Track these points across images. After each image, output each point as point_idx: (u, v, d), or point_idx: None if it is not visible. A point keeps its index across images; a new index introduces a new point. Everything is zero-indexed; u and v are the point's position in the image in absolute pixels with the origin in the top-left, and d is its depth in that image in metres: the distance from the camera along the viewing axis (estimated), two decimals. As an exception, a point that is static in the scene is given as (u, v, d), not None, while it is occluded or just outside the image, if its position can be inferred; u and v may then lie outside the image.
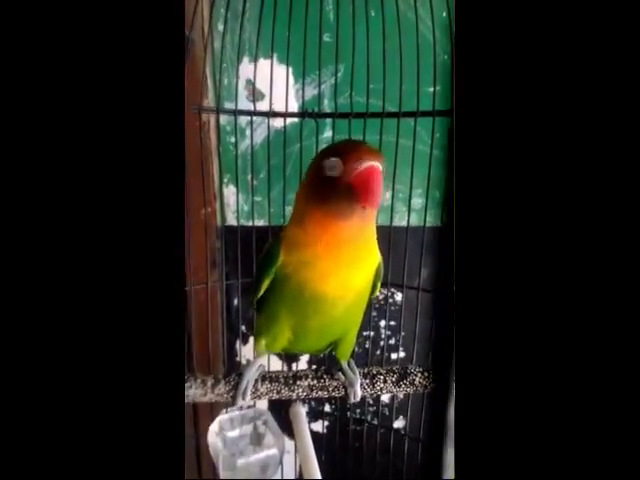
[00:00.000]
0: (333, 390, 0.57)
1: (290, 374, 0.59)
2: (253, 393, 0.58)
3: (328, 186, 0.47)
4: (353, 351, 0.62)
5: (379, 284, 0.57)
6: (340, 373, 0.58)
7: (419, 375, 0.57)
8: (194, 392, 0.57)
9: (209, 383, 0.58)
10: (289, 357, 1.00)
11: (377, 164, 0.45)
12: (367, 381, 0.57)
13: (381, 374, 0.57)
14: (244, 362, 1.05)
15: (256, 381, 0.58)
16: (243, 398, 0.57)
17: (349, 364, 0.60)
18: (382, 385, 0.57)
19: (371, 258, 0.53)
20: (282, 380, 0.58)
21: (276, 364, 0.95)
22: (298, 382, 0.58)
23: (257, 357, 0.60)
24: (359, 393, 0.58)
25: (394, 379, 0.57)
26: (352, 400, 0.58)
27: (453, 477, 0.27)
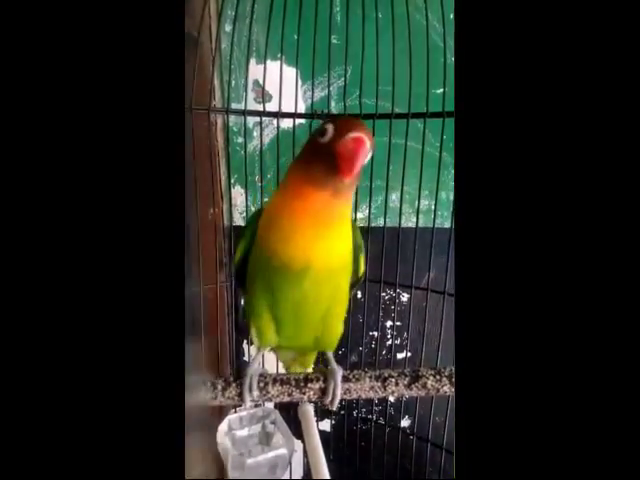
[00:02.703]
0: (344, 393, 0.58)
1: (301, 376, 0.59)
2: (264, 395, 0.58)
3: (315, 151, 0.48)
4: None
5: (362, 264, 0.57)
6: (323, 366, 0.58)
7: (431, 378, 0.57)
8: (204, 396, 0.57)
9: (219, 386, 0.58)
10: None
11: (366, 138, 0.45)
12: (379, 384, 0.57)
13: (393, 377, 0.58)
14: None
15: (266, 382, 0.58)
16: (250, 394, 0.57)
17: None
18: (394, 388, 0.57)
19: (341, 235, 0.52)
20: (293, 382, 0.58)
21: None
22: (309, 385, 0.58)
23: (258, 352, 0.61)
24: (339, 394, 0.56)
25: (406, 382, 0.57)
26: (329, 399, 0.56)
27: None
